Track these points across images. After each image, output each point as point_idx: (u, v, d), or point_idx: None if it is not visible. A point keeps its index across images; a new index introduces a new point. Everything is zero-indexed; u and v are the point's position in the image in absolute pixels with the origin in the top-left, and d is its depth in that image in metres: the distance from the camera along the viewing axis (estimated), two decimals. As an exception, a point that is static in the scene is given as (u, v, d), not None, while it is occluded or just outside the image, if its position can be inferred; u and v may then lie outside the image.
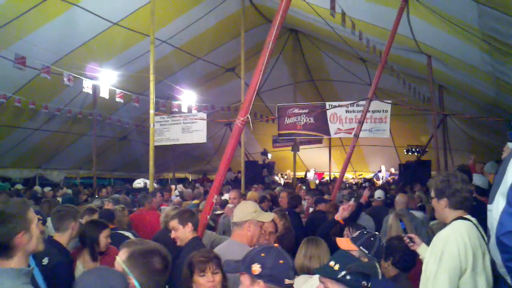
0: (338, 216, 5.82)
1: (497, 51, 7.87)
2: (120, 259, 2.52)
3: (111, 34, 12.11)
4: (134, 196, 10.58)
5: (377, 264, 2.53)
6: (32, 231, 2.55)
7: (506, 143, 4.02)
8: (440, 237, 3.29)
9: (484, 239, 3.24)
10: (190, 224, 4.33)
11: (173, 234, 4.38)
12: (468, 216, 3.35)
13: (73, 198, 9.69)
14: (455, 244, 3.14)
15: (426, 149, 19.24)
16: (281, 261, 2.40)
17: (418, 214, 7.33)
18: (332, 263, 2.52)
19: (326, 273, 2.52)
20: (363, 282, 2.40)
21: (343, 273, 2.41)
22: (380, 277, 2.46)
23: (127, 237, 5.61)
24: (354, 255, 2.75)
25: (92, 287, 2.24)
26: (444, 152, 16.25)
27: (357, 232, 3.59)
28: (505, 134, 5.44)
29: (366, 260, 3.20)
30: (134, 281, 2.46)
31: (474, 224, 3.31)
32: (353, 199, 7.49)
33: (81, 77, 10.41)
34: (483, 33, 7.42)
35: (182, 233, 4.32)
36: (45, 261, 3.65)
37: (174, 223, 4.39)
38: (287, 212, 6.67)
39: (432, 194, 3.51)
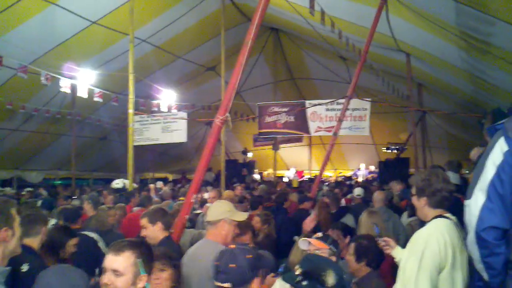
0: (306, 229, 5.87)
1: (474, 49, 7.97)
2: (136, 259, 2.52)
3: (90, 33, 11.96)
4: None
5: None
6: (15, 228, 2.51)
7: (482, 139, 4.06)
8: (420, 236, 3.31)
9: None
10: (159, 223, 4.31)
11: (142, 232, 4.34)
12: (448, 214, 3.37)
13: (52, 201, 9.55)
14: (436, 243, 3.16)
15: (406, 147, 19.39)
16: (231, 265, 2.38)
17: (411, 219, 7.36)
18: (297, 266, 2.51)
19: (288, 279, 2.51)
20: None
21: (299, 278, 2.40)
22: (332, 280, 2.42)
23: (92, 238, 5.55)
24: (324, 258, 2.73)
25: (55, 285, 2.22)
26: (422, 149, 16.42)
27: (320, 234, 3.66)
28: (482, 130, 5.50)
29: (334, 258, 3.24)
30: (146, 284, 2.49)
31: (454, 222, 3.34)
32: (313, 212, 7.43)
33: (59, 76, 10.27)
34: (460, 31, 7.50)
35: (152, 231, 4.29)
36: (25, 267, 3.49)
37: (144, 221, 4.36)
38: (272, 216, 6.69)
39: (413, 191, 3.53)
